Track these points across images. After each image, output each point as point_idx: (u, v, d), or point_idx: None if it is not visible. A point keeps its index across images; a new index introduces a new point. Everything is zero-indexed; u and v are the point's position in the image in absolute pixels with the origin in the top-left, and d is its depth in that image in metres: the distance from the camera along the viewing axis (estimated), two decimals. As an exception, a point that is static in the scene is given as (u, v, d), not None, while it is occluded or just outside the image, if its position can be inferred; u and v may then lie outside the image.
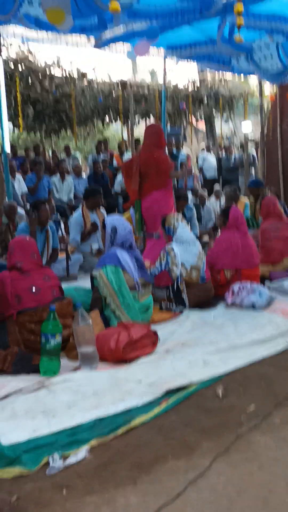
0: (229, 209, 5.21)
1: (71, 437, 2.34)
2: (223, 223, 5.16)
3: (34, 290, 3.44)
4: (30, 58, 9.69)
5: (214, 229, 5.90)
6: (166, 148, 11.42)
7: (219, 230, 5.84)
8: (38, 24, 5.94)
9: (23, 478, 2.06)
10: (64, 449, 2.25)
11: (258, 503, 1.87)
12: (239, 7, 3.71)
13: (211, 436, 2.35)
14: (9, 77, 9.04)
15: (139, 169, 5.49)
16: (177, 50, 7.55)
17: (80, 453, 2.21)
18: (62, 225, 7.33)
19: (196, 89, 13.27)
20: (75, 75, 10.44)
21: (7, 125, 7.46)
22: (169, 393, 2.81)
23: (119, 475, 2.07)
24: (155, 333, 3.59)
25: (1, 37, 7.12)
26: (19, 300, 3.39)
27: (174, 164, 11.51)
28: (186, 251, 4.58)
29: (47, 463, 2.15)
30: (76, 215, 6.49)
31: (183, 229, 4.72)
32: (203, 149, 13.55)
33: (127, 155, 11.32)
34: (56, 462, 2.14)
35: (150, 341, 3.50)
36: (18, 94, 8.85)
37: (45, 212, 5.59)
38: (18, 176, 9.04)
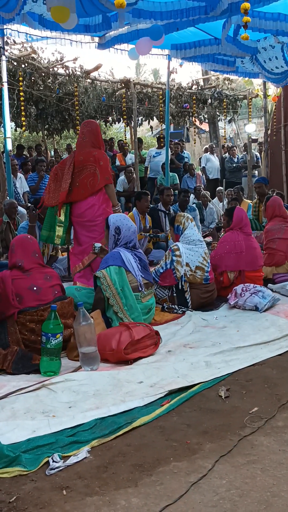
0: (233, 209, 5.17)
1: (71, 438, 2.32)
2: (227, 224, 5.12)
3: (35, 289, 3.41)
4: (34, 56, 9.66)
5: (217, 229, 5.85)
6: (173, 149, 11.43)
7: (222, 231, 5.80)
8: (42, 22, 5.92)
9: (22, 478, 2.04)
10: (65, 449, 2.23)
11: (261, 507, 1.84)
12: (246, 5, 3.68)
13: (213, 438, 2.32)
14: (12, 75, 9.02)
15: (72, 170, 4.80)
16: (181, 50, 7.53)
17: (81, 454, 2.18)
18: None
19: (200, 89, 13.24)
20: (78, 73, 10.40)
21: (9, 124, 7.43)
22: (171, 394, 2.78)
23: (120, 476, 2.04)
24: (157, 334, 3.55)
25: (5, 35, 7.10)
26: (20, 299, 3.37)
27: (180, 165, 11.52)
28: (192, 251, 4.55)
29: (47, 464, 2.12)
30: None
31: (191, 230, 4.69)
32: (206, 148, 13.52)
33: (130, 155, 11.30)
34: (56, 462, 2.11)
35: (152, 342, 3.47)
36: (21, 93, 8.83)
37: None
38: (20, 175, 9.03)
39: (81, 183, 4.78)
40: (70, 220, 4.92)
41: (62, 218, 4.83)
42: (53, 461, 2.12)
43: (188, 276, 4.48)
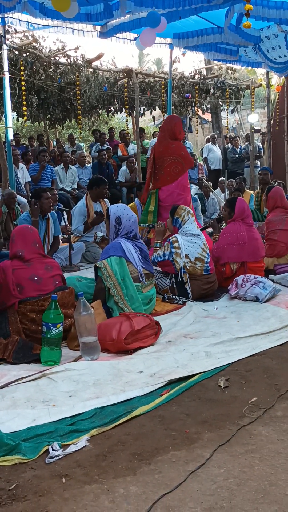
0: (235, 200, 5.13)
1: (71, 427, 2.33)
2: (229, 215, 5.09)
3: (35, 279, 3.42)
4: (35, 45, 9.60)
5: (218, 220, 5.80)
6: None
7: (223, 221, 5.78)
8: (43, 11, 5.88)
9: (22, 466, 2.06)
10: (64, 438, 2.25)
11: (258, 496, 1.85)
12: (248, -8, 3.65)
13: (212, 428, 2.33)
14: (14, 64, 8.97)
15: (153, 161, 5.65)
16: (184, 39, 7.47)
17: (80, 443, 2.20)
18: (65, 215, 7.28)
19: (202, 78, 13.15)
20: (80, 63, 10.33)
21: (10, 113, 7.41)
22: (171, 383, 2.79)
23: (119, 465, 2.05)
24: (158, 324, 3.56)
25: (6, 24, 7.05)
26: (21, 289, 3.37)
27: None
28: (190, 242, 4.54)
29: (47, 452, 2.14)
30: (80, 204, 6.44)
31: (190, 224, 4.66)
32: (208, 138, 13.45)
33: (132, 145, 11.25)
34: (55, 451, 2.13)
35: (152, 332, 3.48)
36: (23, 82, 8.78)
37: (47, 200, 5.54)
38: (22, 165, 9.00)
39: (165, 171, 5.59)
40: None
41: (152, 206, 5.70)
42: (53, 450, 2.13)
43: (188, 267, 4.47)
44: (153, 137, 12.68)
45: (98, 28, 6.97)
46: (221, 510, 1.77)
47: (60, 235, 6.05)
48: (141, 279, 3.93)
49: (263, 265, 5.07)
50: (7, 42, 7.84)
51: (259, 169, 11.02)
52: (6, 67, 7.22)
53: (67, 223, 6.56)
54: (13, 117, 11.09)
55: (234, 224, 5.00)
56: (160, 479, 1.96)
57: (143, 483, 1.93)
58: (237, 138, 13.44)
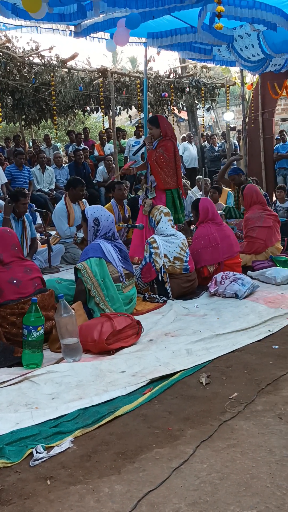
0: (198, 201, 5.16)
1: (54, 429, 2.34)
2: (196, 217, 5.12)
3: (15, 282, 3.41)
4: (8, 45, 9.50)
5: (189, 223, 5.77)
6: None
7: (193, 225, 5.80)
8: (15, 11, 5.82)
9: (6, 470, 2.06)
10: (48, 440, 2.25)
11: (241, 489, 1.89)
12: (219, -6, 3.68)
13: (194, 424, 2.37)
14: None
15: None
16: (158, 39, 7.48)
17: (64, 444, 2.21)
18: (39, 215, 7.19)
19: (178, 77, 13.19)
20: (55, 63, 10.27)
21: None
22: (153, 382, 2.82)
23: (103, 464, 2.07)
24: (139, 324, 3.59)
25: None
26: (0, 292, 3.36)
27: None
28: (168, 242, 4.57)
29: (31, 455, 2.14)
30: (60, 206, 6.42)
31: (164, 224, 4.69)
32: (183, 137, 13.51)
33: (109, 145, 11.24)
34: (39, 453, 2.13)
35: (133, 332, 3.50)
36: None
37: (23, 204, 5.50)
38: (-2, 167, 8.91)
39: (179, 168, 5.70)
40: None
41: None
42: (37, 452, 2.14)
43: (167, 267, 4.51)
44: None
45: (72, 28, 6.94)
46: (204, 505, 1.80)
47: (37, 236, 6.02)
48: (121, 279, 3.95)
49: (239, 261, 5.12)
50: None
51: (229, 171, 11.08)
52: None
53: (43, 223, 6.54)
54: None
55: (204, 226, 5.01)
56: (144, 476, 1.98)
57: (127, 482, 1.95)
58: (215, 136, 13.53)
